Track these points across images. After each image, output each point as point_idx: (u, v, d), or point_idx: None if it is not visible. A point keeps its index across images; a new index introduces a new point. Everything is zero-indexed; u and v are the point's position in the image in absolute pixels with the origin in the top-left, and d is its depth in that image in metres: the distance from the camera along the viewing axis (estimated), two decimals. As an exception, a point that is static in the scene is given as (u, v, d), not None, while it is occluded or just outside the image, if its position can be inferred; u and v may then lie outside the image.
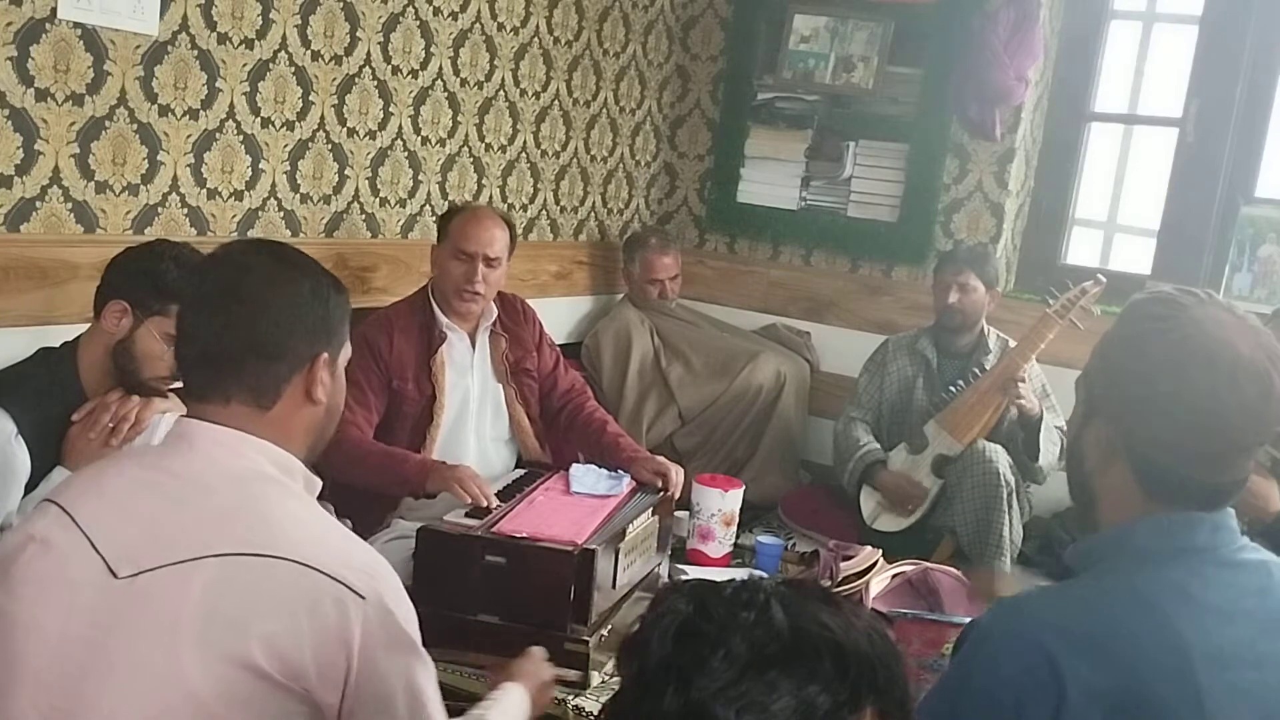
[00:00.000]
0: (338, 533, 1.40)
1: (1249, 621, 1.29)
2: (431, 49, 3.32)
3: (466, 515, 2.52)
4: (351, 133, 3.14)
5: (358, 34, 3.09)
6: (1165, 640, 1.25)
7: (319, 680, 1.29)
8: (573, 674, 2.14)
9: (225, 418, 1.39)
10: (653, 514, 2.74)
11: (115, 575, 1.32)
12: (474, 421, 2.97)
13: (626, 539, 2.55)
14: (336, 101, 3.07)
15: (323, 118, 3.04)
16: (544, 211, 3.92)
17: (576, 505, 2.64)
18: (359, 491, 2.70)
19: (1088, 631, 1.26)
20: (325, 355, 1.44)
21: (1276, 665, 1.29)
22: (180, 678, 1.26)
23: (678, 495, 2.90)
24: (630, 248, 4.13)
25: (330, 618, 1.29)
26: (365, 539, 2.65)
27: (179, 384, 2.13)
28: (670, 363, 3.95)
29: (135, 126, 2.60)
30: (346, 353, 1.51)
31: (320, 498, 1.51)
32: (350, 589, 1.31)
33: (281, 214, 2.99)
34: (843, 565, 2.68)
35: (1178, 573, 1.30)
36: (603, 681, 2.39)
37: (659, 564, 2.83)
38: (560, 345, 3.41)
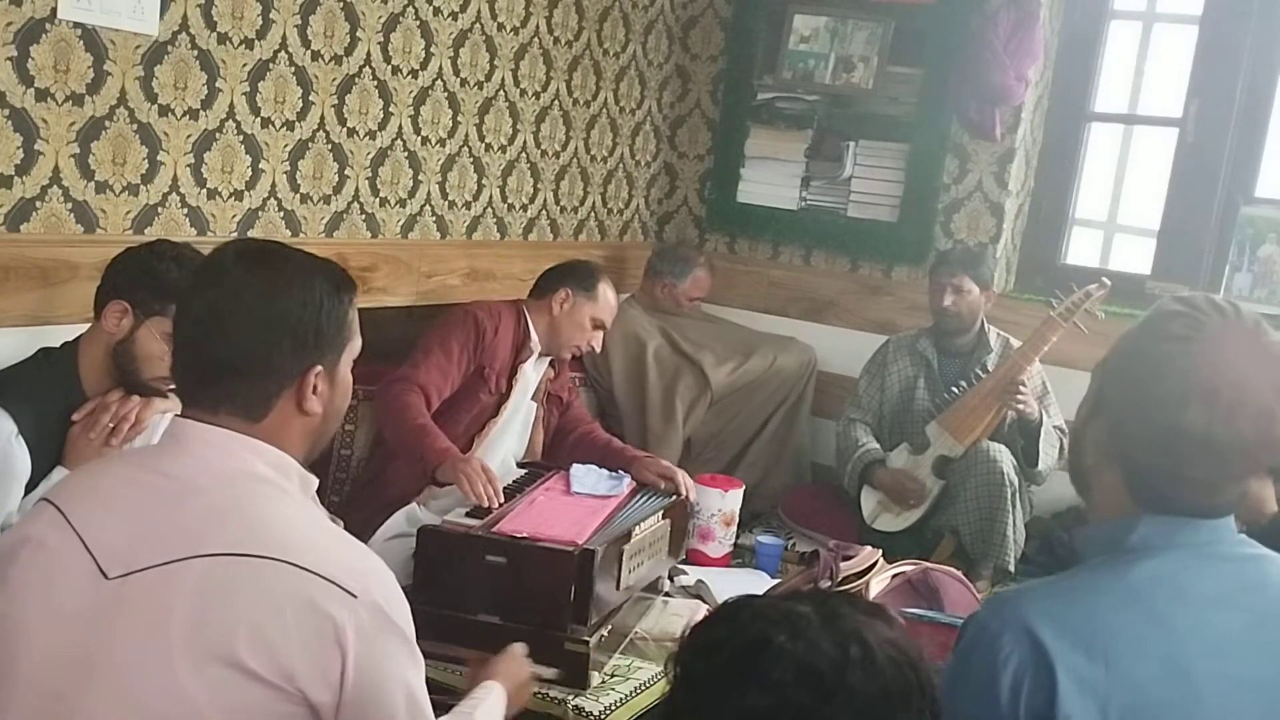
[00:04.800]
0: (330, 534, 1.39)
1: (1247, 614, 1.31)
2: (431, 49, 3.32)
3: (467, 515, 2.53)
4: (351, 133, 3.14)
5: (358, 34, 3.08)
6: (1156, 633, 1.27)
7: (311, 680, 1.28)
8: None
9: (216, 424, 1.38)
10: (663, 517, 2.74)
11: (106, 576, 1.31)
12: (513, 433, 3.10)
13: (632, 541, 2.54)
14: (336, 101, 3.07)
15: (323, 118, 3.04)
16: (544, 211, 3.92)
17: (577, 505, 2.64)
18: (368, 489, 2.74)
19: (1079, 623, 1.27)
20: (319, 367, 1.41)
21: (1275, 657, 1.30)
22: (172, 680, 1.26)
23: (694, 496, 2.93)
24: (681, 263, 4.11)
25: (321, 617, 1.28)
26: (365, 538, 2.70)
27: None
28: (699, 350, 3.92)
29: (135, 126, 2.60)
30: (352, 352, 1.48)
31: (321, 499, 1.51)
32: (341, 588, 1.30)
33: (281, 214, 2.99)
34: (843, 565, 2.69)
35: (1171, 566, 1.31)
36: (603, 682, 2.39)
37: (668, 567, 2.83)
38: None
